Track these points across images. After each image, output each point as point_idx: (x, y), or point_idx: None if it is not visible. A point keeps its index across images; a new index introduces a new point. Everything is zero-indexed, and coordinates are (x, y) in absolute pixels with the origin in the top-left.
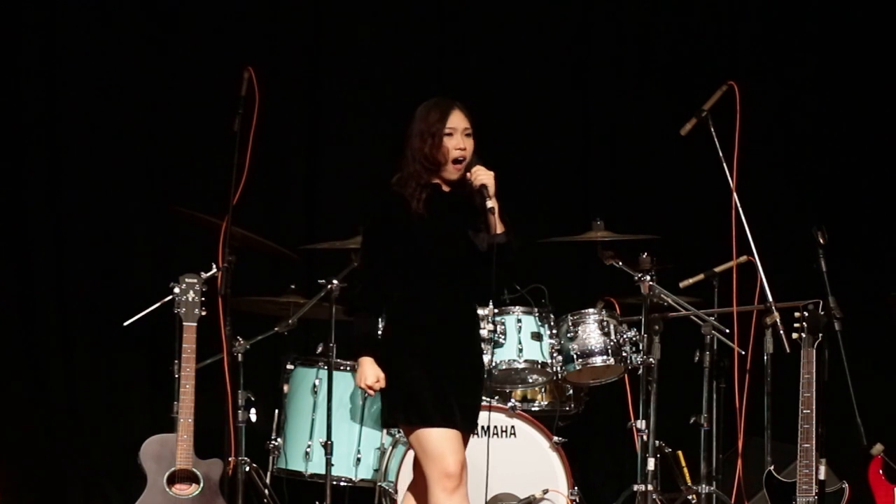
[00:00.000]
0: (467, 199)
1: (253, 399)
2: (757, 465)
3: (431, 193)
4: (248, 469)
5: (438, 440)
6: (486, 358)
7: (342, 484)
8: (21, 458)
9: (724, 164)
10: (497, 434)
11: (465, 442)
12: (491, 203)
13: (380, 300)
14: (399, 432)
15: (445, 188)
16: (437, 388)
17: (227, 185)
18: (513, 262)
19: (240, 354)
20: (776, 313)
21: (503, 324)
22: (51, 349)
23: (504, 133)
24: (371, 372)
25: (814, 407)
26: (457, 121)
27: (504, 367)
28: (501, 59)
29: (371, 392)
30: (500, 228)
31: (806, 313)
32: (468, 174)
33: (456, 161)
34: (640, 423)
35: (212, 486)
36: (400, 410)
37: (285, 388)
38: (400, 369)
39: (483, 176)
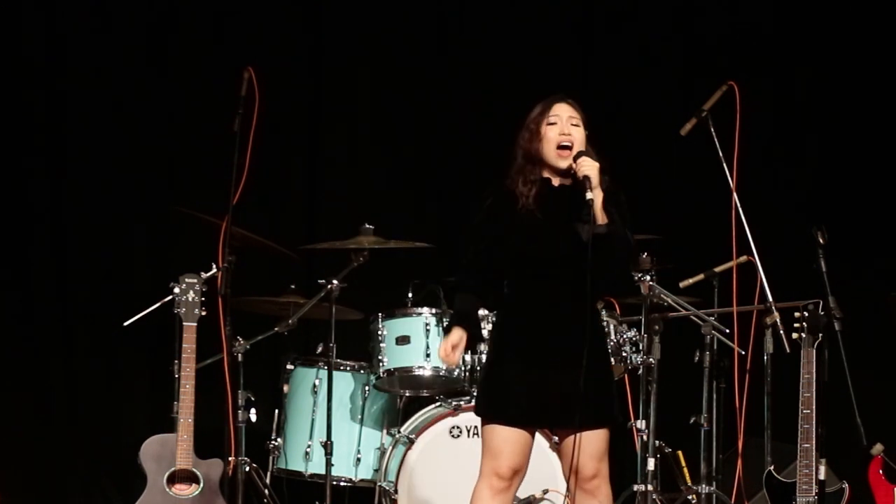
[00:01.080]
0: (577, 193)
1: (253, 399)
2: (757, 465)
3: (541, 188)
4: (248, 469)
5: (501, 438)
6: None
7: (342, 484)
8: (21, 458)
9: (724, 164)
10: None
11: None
12: (590, 195)
13: (480, 282)
14: (399, 432)
15: (556, 182)
16: (525, 386)
17: (227, 185)
18: (631, 255)
19: (240, 354)
20: (776, 313)
21: None
22: (51, 349)
23: (504, 133)
24: (444, 342)
25: (814, 407)
26: (560, 110)
27: None
28: (501, 59)
29: (448, 360)
30: (602, 220)
31: (806, 313)
32: (573, 164)
33: (561, 147)
34: (640, 423)
35: (212, 486)
36: (480, 401)
37: (285, 388)
38: (494, 363)
39: (587, 167)
